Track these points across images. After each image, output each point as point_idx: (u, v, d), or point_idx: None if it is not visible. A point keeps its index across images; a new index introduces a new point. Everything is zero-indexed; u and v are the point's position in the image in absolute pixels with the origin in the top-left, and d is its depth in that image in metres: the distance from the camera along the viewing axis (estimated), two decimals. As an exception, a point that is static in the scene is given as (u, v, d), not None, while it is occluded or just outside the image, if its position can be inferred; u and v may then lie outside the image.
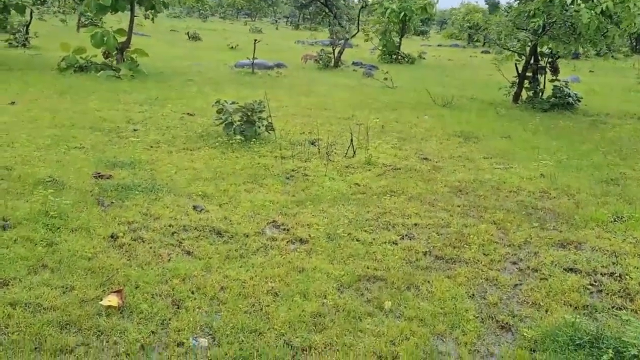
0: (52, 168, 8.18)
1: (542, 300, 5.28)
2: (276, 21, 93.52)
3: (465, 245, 6.39)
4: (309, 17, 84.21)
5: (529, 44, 16.47)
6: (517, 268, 5.97)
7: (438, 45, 50.37)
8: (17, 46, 24.63)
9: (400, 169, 9.33)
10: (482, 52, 44.06)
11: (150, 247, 5.90)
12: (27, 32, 25.66)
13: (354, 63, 26.61)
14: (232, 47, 32.30)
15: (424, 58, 31.46)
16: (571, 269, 5.93)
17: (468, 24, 17.52)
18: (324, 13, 59.80)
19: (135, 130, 10.93)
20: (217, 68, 22.30)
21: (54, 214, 6.36)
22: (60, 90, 14.64)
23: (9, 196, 7.03)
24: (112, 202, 7.05)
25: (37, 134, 10.10)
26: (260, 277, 5.39)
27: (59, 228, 6.16)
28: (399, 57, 29.51)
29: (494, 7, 70.96)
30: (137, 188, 7.59)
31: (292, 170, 8.90)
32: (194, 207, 7.09)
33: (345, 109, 14.64)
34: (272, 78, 20.07)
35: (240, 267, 5.59)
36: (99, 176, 8.02)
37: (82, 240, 5.92)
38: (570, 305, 5.21)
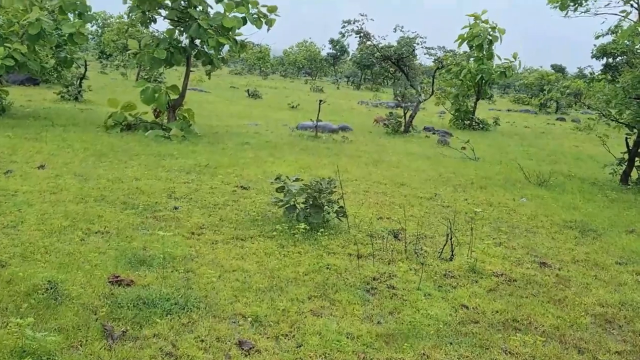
0: (58, 266, 6.14)
1: None
2: (337, 80, 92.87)
3: None
4: (370, 77, 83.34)
5: (640, 114, 14.03)
6: None
7: (508, 110, 47.87)
8: (69, 99, 23.41)
9: (516, 280, 6.98)
10: (557, 119, 41.51)
11: None
12: (80, 86, 24.47)
13: (425, 128, 24.44)
14: (292, 107, 30.67)
15: (498, 124, 29.07)
16: None
17: (568, 91, 15.45)
18: (387, 73, 58.37)
19: (175, 208, 8.90)
20: (277, 129, 20.44)
21: (29, 361, 4.26)
22: (99, 151, 12.88)
23: (-17, 314, 4.99)
24: (125, 332, 4.92)
25: (55, 210, 8.17)
26: None
27: (33, 385, 4.04)
28: (474, 122, 27.19)
29: (561, 73, 68.67)
30: (165, 304, 5.46)
31: (374, 279, 6.64)
32: (240, 344, 4.90)
33: (425, 185, 12.40)
34: (337, 143, 18.01)
35: None
36: (117, 281, 5.93)
37: (61, 413, 3.78)
38: None
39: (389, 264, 7.20)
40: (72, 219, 7.84)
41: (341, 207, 8.43)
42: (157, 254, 6.75)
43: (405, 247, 7.76)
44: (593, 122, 30.87)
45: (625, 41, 13.26)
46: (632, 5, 13.12)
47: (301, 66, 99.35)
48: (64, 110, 20.35)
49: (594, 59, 31.59)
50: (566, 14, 13.62)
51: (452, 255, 7.47)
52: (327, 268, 6.85)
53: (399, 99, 41.40)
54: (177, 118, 16.74)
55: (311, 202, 8.25)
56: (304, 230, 7.86)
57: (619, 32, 19.96)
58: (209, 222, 8.30)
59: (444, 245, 7.69)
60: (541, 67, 77.65)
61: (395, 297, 6.20)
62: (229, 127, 19.84)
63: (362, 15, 22.76)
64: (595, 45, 31.34)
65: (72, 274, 5.99)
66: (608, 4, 13.34)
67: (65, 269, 6.11)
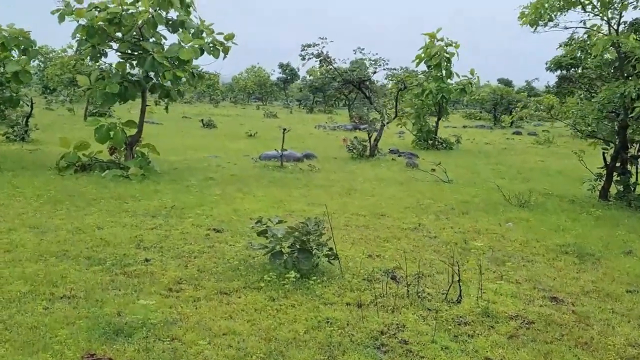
0: (20, 347, 5.27)
1: None
2: (289, 104, 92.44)
3: None
4: (321, 100, 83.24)
5: (616, 129, 13.79)
6: None
7: (464, 127, 48.03)
8: (16, 140, 22.15)
9: (534, 322, 6.36)
10: (514, 133, 41.70)
11: None
12: (26, 125, 23.21)
13: (390, 151, 23.96)
14: (250, 135, 29.92)
15: (460, 142, 28.82)
16: None
17: (541, 107, 15.29)
18: (340, 96, 58.14)
19: (147, 260, 8.04)
20: (239, 161, 19.62)
21: None
22: (54, 198, 11.91)
23: None
24: None
25: (11, 272, 7.25)
26: None
27: None
28: (436, 142, 26.89)
29: (508, 86, 69.74)
30: (152, 386, 4.65)
31: (382, 333, 5.94)
32: None
33: (406, 214, 11.81)
34: (305, 173, 17.31)
35: None
36: (92, 360, 5.10)
37: None
38: None
39: (393, 312, 6.50)
40: (32, 283, 6.94)
41: (331, 249, 7.72)
42: (135, 320, 5.93)
43: (408, 290, 7.09)
44: (549, 134, 30.96)
45: (601, 54, 12.98)
46: (602, 19, 12.88)
47: (251, 92, 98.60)
48: (10, 152, 19.15)
49: (549, 71, 31.68)
50: (535, 29, 13.31)
51: (460, 297, 6.83)
52: (328, 323, 6.13)
53: (356, 120, 41.21)
54: (135, 155, 15.82)
55: (298, 247, 7.52)
56: (294, 279, 7.13)
57: (572, 44, 19.93)
58: (186, 276, 7.48)
59: (449, 286, 7.05)
60: (488, 81, 78.65)
61: (410, 354, 5.51)
62: (189, 161, 18.97)
63: (321, 39, 22.29)
64: (552, 61, 31.44)
65: (39, 355, 5.13)
66: (581, 21, 13.09)
67: (30, 348, 5.25)
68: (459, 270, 6.96)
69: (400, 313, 6.47)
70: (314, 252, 7.53)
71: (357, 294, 6.96)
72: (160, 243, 8.95)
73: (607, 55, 15.43)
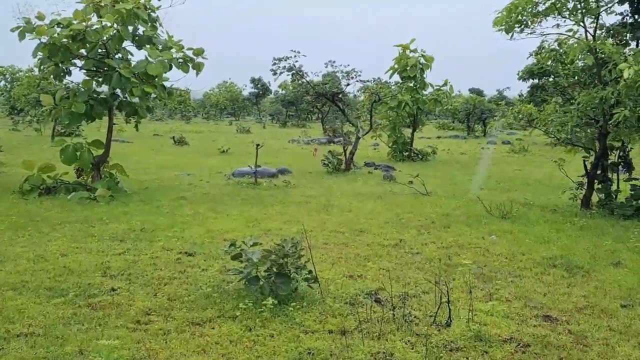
0: (-32, 397, 4.72)
1: None
2: (262, 119, 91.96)
3: None
4: (293, 114, 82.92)
5: (595, 136, 13.55)
6: None
7: (437, 137, 47.97)
8: (-22, 164, 21.34)
9: (530, 345, 5.96)
10: (489, 142, 41.69)
11: None
12: (-11, 147, 22.47)
13: (366, 164, 23.58)
14: (223, 151, 29.39)
15: (435, 153, 28.58)
16: None
17: (521, 117, 15.15)
18: (311, 109, 57.88)
19: (113, 290, 7.50)
20: (212, 178, 19.08)
21: None
22: (16, 223, 11.29)
23: None
24: None
25: (-36, 309, 6.67)
26: None
27: None
28: (412, 153, 26.61)
29: (479, 95, 70.12)
30: None
31: (369, 364, 5.48)
32: None
33: (386, 230, 11.39)
34: (281, 189, 16.82)
35: None
36: (49, 410, 4.56)
37: None
38: None
39: (379, 338, 6.05)
40: (-14, 320, 6.37)
41: (310, 271, 7.26)
42: (98, 360, 5.40)
43: (393, 314, 6.64)
44: (521, 142, 30.90)
45: (577, 60, 12.77)
46: (578, 24, 12.64)
47: (223, 107, 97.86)
48: (-28, 176, 18.41)
49: (521, 80, 31.82)
50: (511, 36, 13.04)
51: (450, 320, 6.40)
52: (310, 354, 5.65)
53: (330, 134, 40.88)
54: (103, 176, 15.22)
55: (275, 271, 7.04)
56: (272, 306, 6.64)
57: (542, 52, 19.82)
58: (156, 305, 6.96)
59: (438, 308, 6.62)
60: (459, 91, 78.92)
61: (400, 387, 5.06)
62: (160, 180, 18.39)
63: (294, 52, 21.88)
64: (524, 70, 31.56)
65: (-12, 407, 4.59)
66: (554, 25, 12.86)
67: (-21, 399, 4.70)
68: (447, 290, 6.54)
69: (386, 340, 6.02)
70: (292, 275, 7.06)
71: (340, 319, 6.51)
72: (128, 270, 8.40)
73: (580, 63, 15.28)
